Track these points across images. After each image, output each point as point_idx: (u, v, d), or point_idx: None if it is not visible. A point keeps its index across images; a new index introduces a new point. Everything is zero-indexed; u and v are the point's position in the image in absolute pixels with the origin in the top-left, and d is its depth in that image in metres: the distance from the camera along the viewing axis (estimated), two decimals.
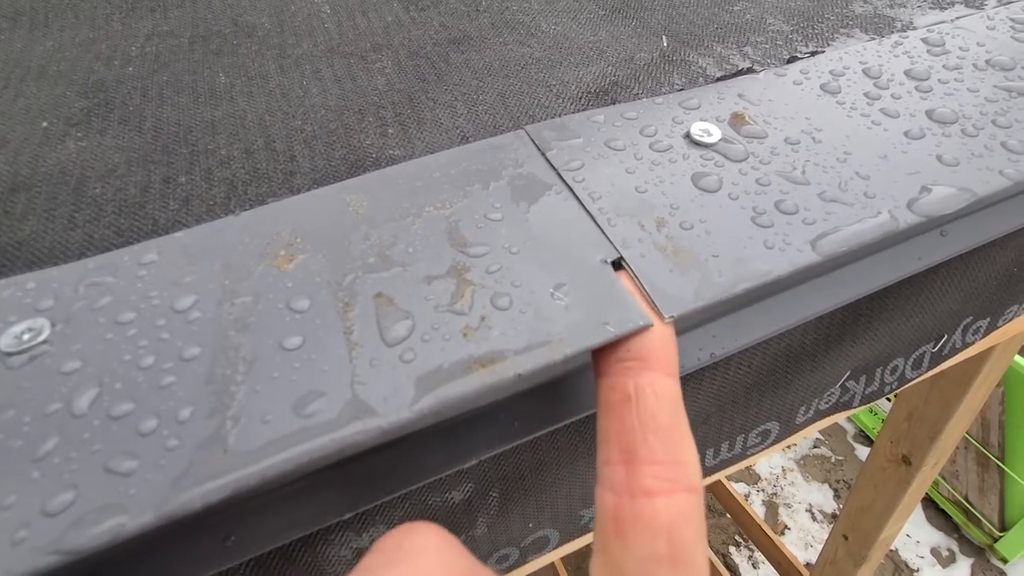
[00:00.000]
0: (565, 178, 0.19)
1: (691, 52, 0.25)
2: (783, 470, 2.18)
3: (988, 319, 0.31)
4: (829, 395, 0.29)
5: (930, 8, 0.28)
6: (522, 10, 0.29)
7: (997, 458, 1.67)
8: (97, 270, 0.17)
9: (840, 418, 0.31)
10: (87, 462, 0.13)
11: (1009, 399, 1.65)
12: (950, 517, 1.86)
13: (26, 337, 0.15)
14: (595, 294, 0.16)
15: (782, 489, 2.11)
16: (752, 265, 0.16)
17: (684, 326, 0.20)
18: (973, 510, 1.76)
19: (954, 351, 0.31)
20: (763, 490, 2.13)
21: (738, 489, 1.96)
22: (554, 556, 0.26)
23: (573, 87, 0.24)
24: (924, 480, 1.12)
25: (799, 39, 0.26)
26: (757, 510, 2.00)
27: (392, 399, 0.13)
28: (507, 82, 0.24)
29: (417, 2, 0.30)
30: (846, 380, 0.28)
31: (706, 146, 0.20)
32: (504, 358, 0.14)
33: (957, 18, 0.27)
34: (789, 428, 0.29)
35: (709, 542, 1.90)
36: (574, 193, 0.18)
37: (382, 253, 0.17)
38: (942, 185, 0.18)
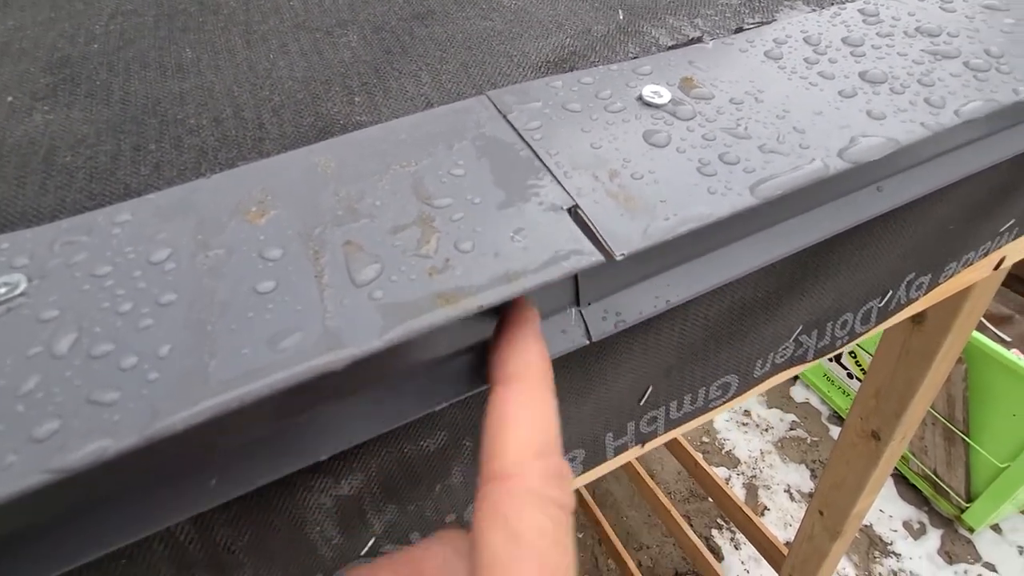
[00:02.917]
0: (524, 137, 0.20)
1: (645, 24, 0.27)
2: (761, 453, 2.24)
3: (930, 275, 0.33)
4: (784, 349, 0.30)
5: None
6: None
7: (962, 432, 1.75)
8: (71, 230, 0.17)
9: (796, 372, 0.32)
10: (70, 395, 0.13)
11: (972, 375, 1.72)
12: (920, 491, 1.94)
13: (2, 291, 0.16)
14: (551, 237, 0.17)
15: (761, 471, 2.17)
16: (697, 209, 0.18)
17: (641, 274, 0.21)
18: (941, 483, 1.83)
19: (899, 306, 0.34)
20: (743, 473, 2.18)
21: (719, 473, 2.01)
22: None
23: (533, 57, 0.25)
24: (893, 454, 1.17)
25: (746, 11, 0.28)
26: (738, 492, 2.05)
27: (362, 331, 0.14)
28: (470, 53, 0.25)
29: None
30: (799, 334, 0.30)
31: (657, 107, 0.21)
32: (467, 294, 0.15)
33: None
34: (748, 381, 0.30)
35: (693, 526, 1.94)
36: (533, 150, 0.19)
37: (350, 207, 0.18)
38: (870, 136, 0.20)
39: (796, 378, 2.46)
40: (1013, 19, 0.26)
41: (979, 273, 0.38)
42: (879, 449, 1.23)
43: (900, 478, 2.03)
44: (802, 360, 0.32)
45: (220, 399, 0.13)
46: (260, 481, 0.17)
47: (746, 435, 2.34)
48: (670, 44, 0.25)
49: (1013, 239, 0.36)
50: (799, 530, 1.29)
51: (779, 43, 0.25)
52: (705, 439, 2.34)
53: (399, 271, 0.16)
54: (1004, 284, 2.46)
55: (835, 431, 2.26)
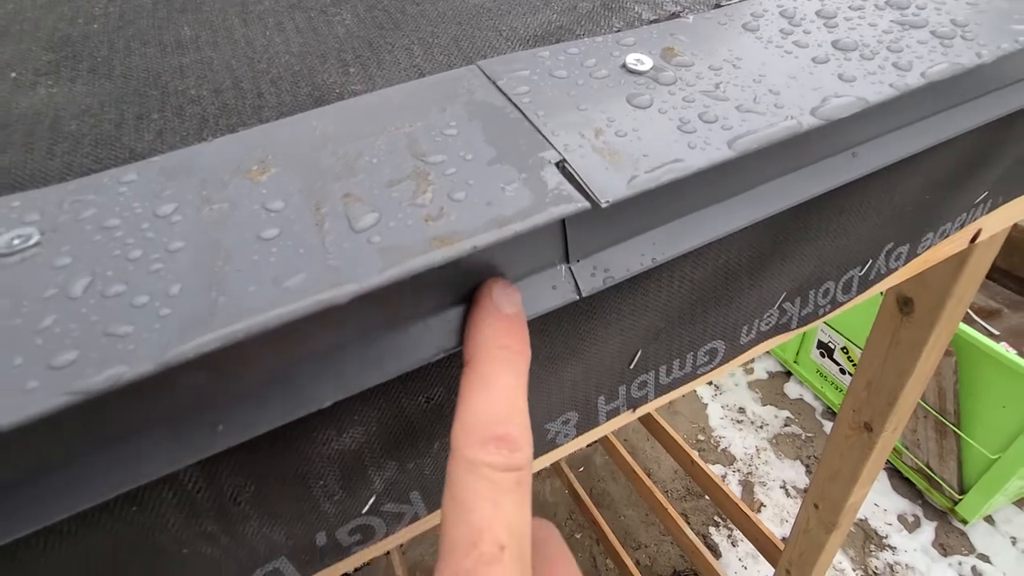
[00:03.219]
0: (514, 100, 0.21)
1: (628, 0, 0.28)
2: (757, 450, 2.25)
3: (908, 245, 0.35)
4: (768, 316, 0.31)
5: None
6: None
7: (954, 425, 1.77)
8: (79, 190, 0.18)
9: (781, 340, 0.34)
10: (86, 330, 0.14)
11: (961, 368, 1.75)
12: (914, 484, 1.96)
13: (16, 242, 0.16)
14: (541, 188, 0.18)
15: (757, 468, 2.19)
16: (678, 161, 0.19)
17: (628, 232, 0.22)
18: (934, 476, 1.85)
19: (880, 276, 0.35)
20: (739, 470, 2.20)
21: (715, 471, 2.02)
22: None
23: (521, 31, 0.26)
24: (885, 445, 1.19)
25: None
26: (734, 489, 2.06)
27: (363, 270, 0.15)
28: (460, 28, 0.26)
29: None
30: (783, 301, 0.31)
31: (640, 73, 0.22)
32: (461, 236, 0.16)
33: None
34: (734, 348, 0.31)
35: (690, 524, 1.94)
36: (522, 112, 0.20)
37: (348, 164, 0.19)
38: (841, 96, 0.21)
39: (789, 374, 2.49)
40: None
41: (956, 245, 0.39)
42: (872, 440, 1.25)
43: (894, 471, 2.05)
44: (786, 328, 0.33)
45: (230, 329, 0.14)
46: (264, 427, 0.18)
47: (741, 432, 2.35)
48: (652, 18, 0.26)
49: (988, 212, 0.38)
50: (795, 524, 1.30)
51: (756, 16, 0.26)
52: (701, 437, 2.35)
53: (396, 218, 0.17)
54: (991, 278, 2.49)
55: (829, 427, 2.28)
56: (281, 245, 0.16)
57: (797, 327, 0.33)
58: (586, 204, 0.17)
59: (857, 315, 1.93)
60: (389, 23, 0.27)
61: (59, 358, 0.13)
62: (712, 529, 2.03)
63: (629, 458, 1.92)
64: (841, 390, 2.06)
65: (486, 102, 0.21)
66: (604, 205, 0.17)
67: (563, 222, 0.20)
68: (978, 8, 0.26)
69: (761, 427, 2.36)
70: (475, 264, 0.18)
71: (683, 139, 0.19)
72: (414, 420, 0.23)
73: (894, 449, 1.96)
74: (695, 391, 2.51)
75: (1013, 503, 1.84)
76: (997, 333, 2.12)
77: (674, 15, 0.27)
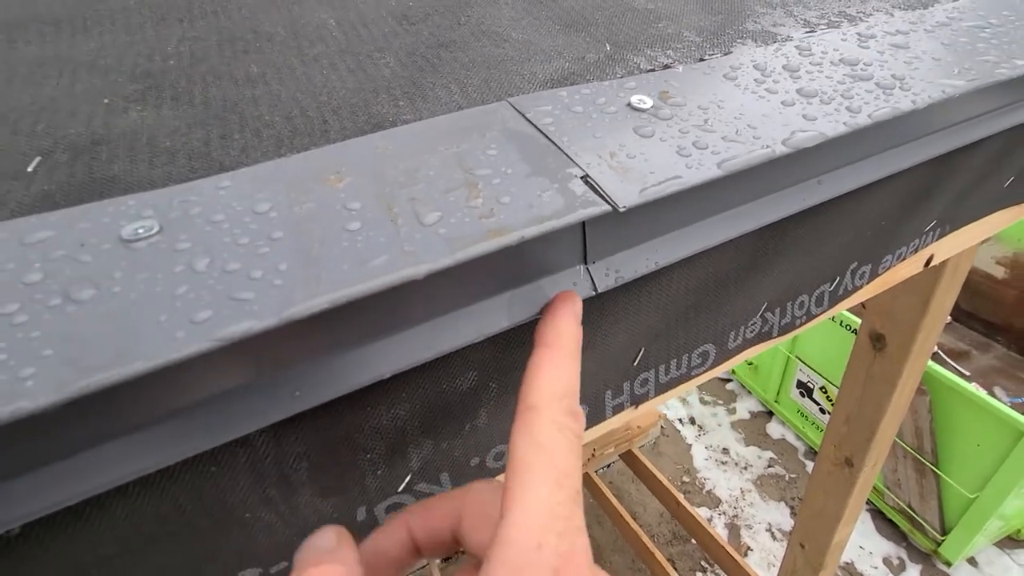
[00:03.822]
0: (541, 129, 0.25)
1: (628, 53, 0.33)
2: (742, 492, 2.26)
3: (870, 265, 0.40)
4: (752, 324, 0.36)
5: (803, 28, 0.37)
6: (495, 24, 0.36)
7: (932, 464, 1.81)
8: (184, 192, 0.22)
9: (765, 347, 0.38)
10: (216, 295, 0.17)
11: (935, 407, 1.81)
12: (897, 526, 1.97)
13: (141, 231, 0.20)
14: (571, 194, 0.22)
15: (742, 511, 2.19)
16: (679, 177, 0.23)
17: (636, 240, 0.26)
18: (916, 516, 1.87)
19: (847, 292, 0.39)
20: (724, 513, 2.19)
21: (701, 513, 2.02)
22: None
23: (540, 76, 0.31)
24: (867, 480, 1.22)
25: (707, 46, 0.35)
26: (720, 533, 2.05)
27: (434, 253, 0.19)
28: (488, 72, 0.31)
29: (408, 18, 0.37)
30: (764, 311, 0.36)
31: (642, 110, 0.27)
32: (512, 229, 0.20)
33: (820, 34, 0.36)
34: (723, 352, 0.35)
35: (678, 569, 1.92)
36: (549, 138, 0.25)
37: (410, 175, 0.23)
38: (806, 131, 0.26)
39: (771, 414, 2.53)
40: (912, 54, 0.33)
41: (912, 268, 0.44)
42: (853, 476, 1.29)
43: (877, 513, 2.07)
44: (768, 336, 0.37)
45: (334, 295, 0.17)
46: (336, 393, 0.21)
47: (725, 473, 2.36)
48: (648, 68, 0.32)
49: (937, 239, 0.43)
50: (781, 566, 1.31)
51: (734, 68, 0.31)
52: (686, 478, 2.35)
53: (456, 216, 0.21)
54: (957, 320, 2.60)
55: (812, 467, 2.31)
56: (364, 235, 0.20)
57: (778, 335, 0.37)
58: (607, 208, 0.21)
59: (834, 354, 2.00)
60: (428, 67, 0.31)
61: (198, 315, 0.17)
62: (699, 575, 2.01)
63: (615, 501, 1.91)
64: (822, 429, 2.10)
65: (518, 130, 0.25)
66: (622, 209, 0.21)
67: (583, 229, 0.24)
68: (912, 66, 0.32)
69: (745, 468, 2.38)
70: (515, 260, 0.22)
71: (681, 161, 0.24)
72: (451, 401, 0.26)
73: (876, 490, 1.99)
74: (679, 432, 2.52)
75: (994, 544, 1.87)
76: (968, 374, 2.20)
77: (667, 66, 0.32)
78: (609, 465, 2.37)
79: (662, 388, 0.34)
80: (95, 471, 0.17)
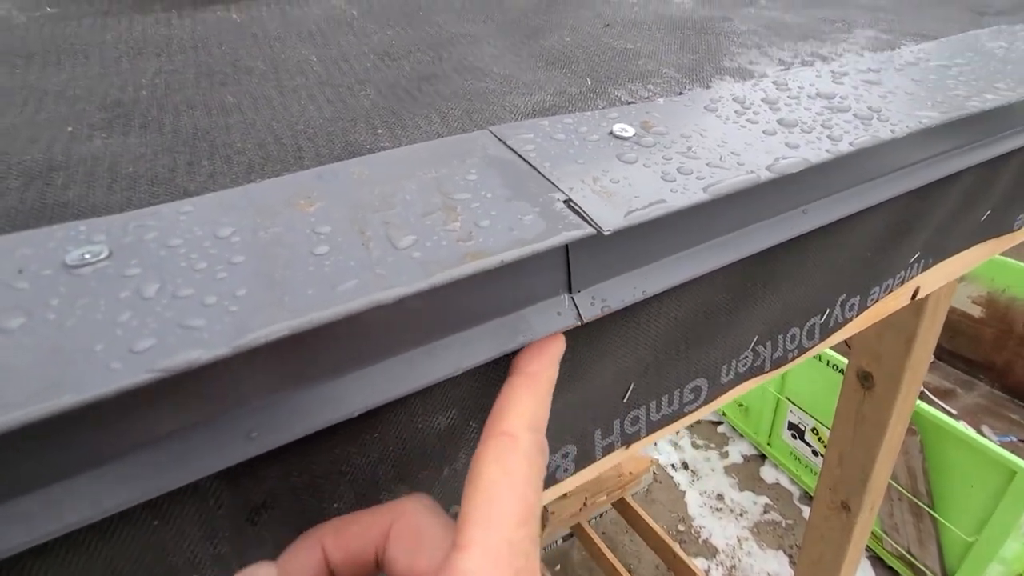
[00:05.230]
0: (522, 155, 0.25)
1: (610, 87, 0.33)
2: (738, 540, 2.19)
3: (858, 297, 0.39)
4: (744, 357, 0.34)
5: (778, 66, 0.38)
6: (477, 60, 0.37)
7: (928, 506, 1.78)
8: (141, 216, 0.20)
9: (759, 382, 0.36)
10: (163, 322, 0.16)
11: (927, 447, 1.79)
12: (899, 573, 1.91)
13: (87, 256, 0.18)
14: (553, 217, 0.21)
15: (740, 560, 2.11)
16: (663, 202, 0.22)
17: (622, 268, 0.25)
18: (916, 562, 1.82)
19: (838, 324, 0.39)
20: (722, 563, 2.11)
21: (698, 564, 1.94)
22: None
23: (521, 108, 0.31)
24: (865, 525, 1.19)
25: (687, 81, 0.35)
26: None
27: (408, 278, 0.18)
28: (470, 103, 0.31)
29: (391, 55, 0.37)
30: (756, 344, 0.35)
31: (625, 138, 0.27)
32: (491, 252, 0.19)
33: (796, 71, 0.37)
34: (716, 387, 0.34)
35: None
36: (530, 164, 0.24)
37: (385, 200, 0.22)
38: (789, 158, 0.26)
39: (764, 458, 2.48)
40: (886, 89, 0.34)
41: (900, 300, 0.44)
42: (850, 520, 1.25)
43: (877, 560, 2.01)
44: (760, 370, 0.36)
45: (298, 320, 0.16)
46: (297, 434, 0.19)
47: (721, 521, 2.29)
48: (629, 100, 0.32)
49: (922, 271, 0.43)
50: None
51: (714, 101, 0.32)
52: (681, 527, 2.27)
53: (432, 239, 0.19)
54: (941, 359, 2.62)
55: (808, 512, 2.25)
56: (333, 259, 0.18)
57: (770, 369, 0.36)
58: (592, 230, 0.20)
59: (823, 395, 1.99)
60: (408, 98, 0.31)
61: (139, 344, 0.15)
62: None
63: (609, 553, 1.83)
64: (816, 472, 2.06)
65: (499, 156, 0.25)
66: (607, 232, 0.20)
67: (567, 256, 0.23)
68: (887, 100, 0.32)
69: (741, 515, 2.31)
70: (496, 288, 0.21)
71: (666, 186, 0.23)
72: (428, 442, 0.24)
73: (874, 535, 1.94)
74: (672, 478, 2.46)
75: None
76: (955, 412, 2.20)
77: (647, 98, 0.32)
78: (602, 514, 2.29)
79: (654, 426, 0.32)
80: (8, 529, 0.15)
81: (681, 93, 0.33)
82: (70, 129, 0.27)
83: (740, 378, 0.35)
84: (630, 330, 0.28)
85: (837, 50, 0.41)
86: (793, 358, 0.37)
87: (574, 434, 0.29)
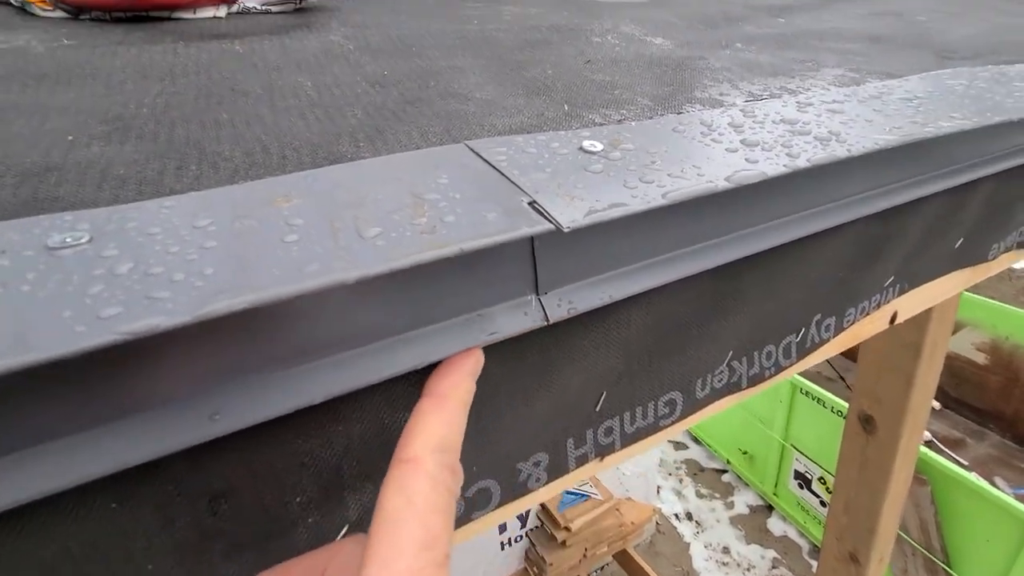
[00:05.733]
0: (494, 164, 0.26)
1: (585, 112, 0.35)
2: None
3: (834, 318, 0.40)
4: (720, 372, 0.35)
5: (747, 97, 0.40)
6: (462, 88, 0.39)
7: (943, 563, 1.70)
8: (124, 209, 0.22)
9: (735, 400, 0.36)
10: (130, 293, 0.16)
11: (939, 499, 1.73)
12: None
13: (68, 240, 0.19)
14: (517, 214, 0.22)
15: None
16: (623, 205, 0.23)
17: (589, 271, 0.26)
18: None
19: (815, 344, 0.39)
20: None
21: None
22: (500, 516, 0.28)
23: (499, 128, 0.32)
24: None
25: (659, 109, 0.37)
26: None
27: (371, 262, 0.18)
28: (450, 122, 0.32)
29: (381, 83, 0.39)
30: (731, 359, 0.35)
31: (593, 153, 0.28)
32: (453, 242, 0.20)
33: (764, 101, 0.39)
34: (691, 402, 0.34)
35: None
36: (500, 172, 0.26)
37: (358, 199, 0.23)
38: (747, 170, 0.27)
39: (771, 508, 2.40)
40: (848, 117, 0.35)
41: (877, 325, 0.44)
42: (860, 573, 1.20)
43: None
44: (738, 387, 0.36)
45: (260, 295, 0.16)
46: (260, 418, 0.19)
47: None
48: (602, 123, 0.34)
49: (898, 295, 0.44)
50: None
51: (682, 124, 0.33)
52: None
53: (398, 231, 0.20)
54: (949, 408, 2.56)
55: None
56: (301, 245, 0.19)
57: (748, 386, 0.36)
58: (551, 226, 0.21)
59: (829, 442, 1.95)
60: (393, 118, 0.33)
61: (106, 311, 0.16)
62: None
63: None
64: (822, 523, 1.98)
65: (471, 165, 0.26)
66: (566, 229, 0.21)
67: (533, 257, 0.24)
68: (847, 125, 0.34)
69: (748, 569, 2.22)
70: (462, 285, 0.22)
71: (628, 192, 0.25)
72: (393, 437, 0.24)
73: None
74: (675, 528, 2.37)
75: None
76: (966, 463, 2.14)
77: (619, 121, 0.34)
78: (603, 567, 2.19)
79: (628, 439, 0.32)
80: None
81: (651, 117, 0.35)
82: (70, 138, 0.28)
83: (717, 394, 0.35)
84: (599, 335, 0.28)
85: (805, 84, 0.44)
86: (770, 376, 0.37)
87: (545, 442, 0.29)
